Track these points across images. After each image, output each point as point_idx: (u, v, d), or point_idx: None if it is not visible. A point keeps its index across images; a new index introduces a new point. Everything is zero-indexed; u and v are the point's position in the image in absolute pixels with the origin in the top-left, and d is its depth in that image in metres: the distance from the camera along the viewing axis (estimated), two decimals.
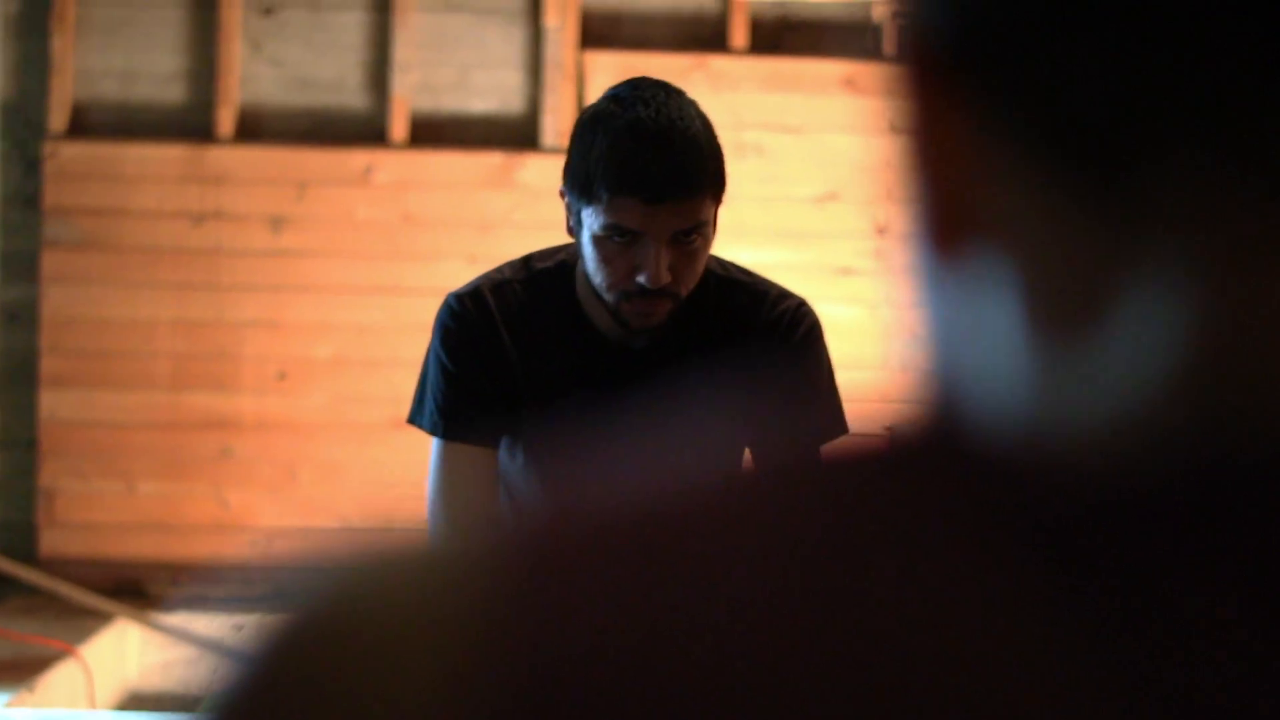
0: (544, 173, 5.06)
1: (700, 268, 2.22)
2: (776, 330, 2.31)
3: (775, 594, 0.40)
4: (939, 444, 0.44)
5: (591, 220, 2.17)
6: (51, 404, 5.11)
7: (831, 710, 0.39)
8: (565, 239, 2.32)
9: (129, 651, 4.84)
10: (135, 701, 4.80)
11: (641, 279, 2.16)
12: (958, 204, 0.44)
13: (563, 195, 2.23)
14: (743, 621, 0.40)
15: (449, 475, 2.28)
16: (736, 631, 0.40)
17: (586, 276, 2.24)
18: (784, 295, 2.34)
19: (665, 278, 2.16)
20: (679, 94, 2.20)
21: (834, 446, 0.46)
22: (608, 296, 2.21)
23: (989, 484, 0.42)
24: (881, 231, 5.18)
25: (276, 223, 5.13)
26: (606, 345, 2.30)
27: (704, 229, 2.18)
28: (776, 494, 0.43)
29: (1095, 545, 0.40)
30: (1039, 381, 0.42)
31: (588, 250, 2.20)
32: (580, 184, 2.17)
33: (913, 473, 0.43)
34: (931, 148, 0.44)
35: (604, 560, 0.42)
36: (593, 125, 2.18)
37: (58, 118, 5.15)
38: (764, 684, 0.39)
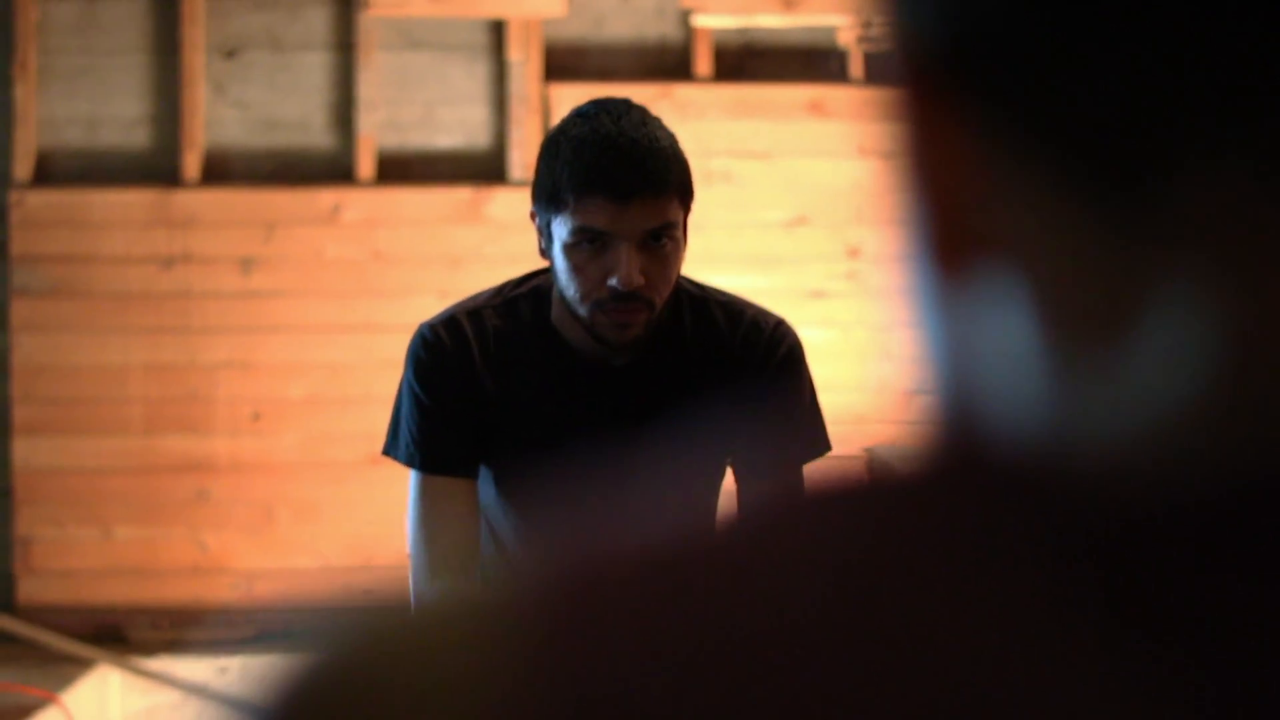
0: (512, 206, 5.06)
1: (672, 275, 2.20)
2: (756, 349, 2.30)
3: (815, 628, 0.39)
4: (961, 464, 0.43)
5: (561, 229, 2.16)
6: (25, 452, 5.09)
7: None
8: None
9: (111, 697, 4.81)
10: None
11: (613, 281, 2.14)
12: (963, 222, 0.42)
13: (533, 216, 2.22)
14: (787, 656, 0.39)
15: (428, 507, 2.26)
16: (781, 667, 0.39)
17: (561, 298, 2.23)
18: (762, 314, 2.34)
19: (638, 279, 2.14)
20: (641, 108, 2.21)
21: (834, 469, 0.45)
22: (581, 309, 2.19)
23: (1018, 502, 0.41)
24: (852, 254, 5.19)
25: (246, 264, 5.12)
26: (584, 365, 2.29)
27: (673, 231, 2.17)
28: (804, 525, 0.42)
29: (1136, 559, 0.39)
30: (1059, 398, 0.41)
31: (560, 263, 2.19)
32: (548, 194, 2.17)
33: (940, 494, 0.42)
34: (931, 166, 0.43)
35: (636, 602, 0.41)
36: (558, 138, 2.18)
37: (23, 166, 5.14)
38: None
